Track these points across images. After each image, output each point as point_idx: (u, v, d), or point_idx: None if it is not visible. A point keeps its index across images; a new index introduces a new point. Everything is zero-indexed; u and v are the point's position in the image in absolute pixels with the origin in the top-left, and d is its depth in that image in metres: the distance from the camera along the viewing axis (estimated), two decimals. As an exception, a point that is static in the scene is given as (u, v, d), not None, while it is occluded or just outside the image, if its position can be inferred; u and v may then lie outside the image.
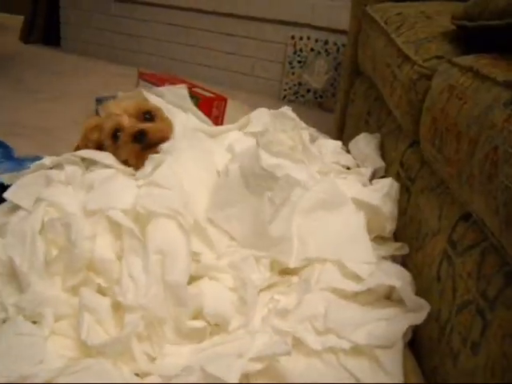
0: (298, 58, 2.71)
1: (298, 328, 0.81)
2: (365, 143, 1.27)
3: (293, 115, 1.20)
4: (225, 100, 1.72)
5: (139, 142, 1.03)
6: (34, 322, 0.81)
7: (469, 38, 1.06)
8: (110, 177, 0.98)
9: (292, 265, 0.88)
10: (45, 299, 0.81)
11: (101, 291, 0.85)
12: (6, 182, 1.08)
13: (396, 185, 1.03)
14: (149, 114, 1.11)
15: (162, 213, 0.87)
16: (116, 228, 0.88)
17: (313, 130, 1.33)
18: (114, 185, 0.96)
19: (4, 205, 1.03)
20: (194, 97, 1.67)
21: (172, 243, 0.85)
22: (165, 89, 1.28)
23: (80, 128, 2.06)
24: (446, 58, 1.00)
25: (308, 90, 2.75)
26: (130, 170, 1.03)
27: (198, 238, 0.90)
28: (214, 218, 0.94)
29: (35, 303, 0.80)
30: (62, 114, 2.20)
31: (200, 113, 1.27)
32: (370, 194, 0.99)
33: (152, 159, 1.00)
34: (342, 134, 1.83)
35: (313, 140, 1.25)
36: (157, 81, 1.81)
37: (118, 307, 0.82)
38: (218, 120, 1.70)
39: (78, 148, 1.13)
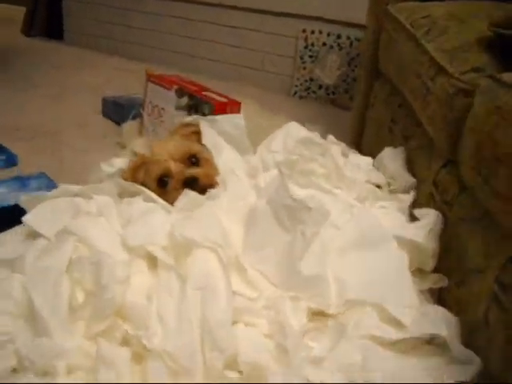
0: (310, 53, 2.61)
1: (334, 378, 0.74)
2: (391, 159, 1.19)
3: (320, 140, 1.12)
4: (238, 105, 1.63)
5: (190, 188, 1.01)
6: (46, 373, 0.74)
7: (509, 47, 0.98)
8: (150, 210, 0.94)
9: (332, 310, 0.81)
10: (59, 352, 0.73)
11: (126, 339, 0.77)
12: (23, 205, 0.99)
13: (441, 219, 0.95)
14: (194, 158, 1.09)
15: (202, 243, 0.82)
16: (153, 265, 0.83)
17: (344, 146, 1.26)
18: (154, 219, 0.91)
19: (17, 229, 0.95)
20: (206, 103, 1.59)
21: (213, 277, 0.79)
22: (221, 117, 1.23)
23: (84, 131, 2.01)
24: (487, 72, 0.92)
25: (320, 86, 2.65)
26: (170, 206, 0.99)
27: (236, 275, 0.84)
28: (248, 259, 0.87)
29: (48, 356, 0.72)
30: (65, 115, 2.11)
31: (247, 143, 1.22)
32: (414, 232, 0.91)
33: (186, 194, 0.96)
34: (361, 138, 1.74)
35: (344, 156, 1.18)
36: (165, 83, 1.72)
37: (139, 359, 0.75)
38: (231, 126, 1.62)
39: (125, 179, 1.09)
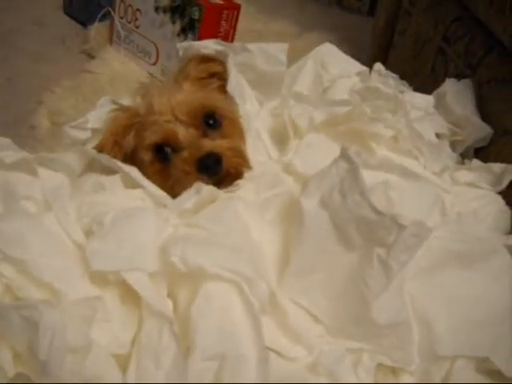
0: None
1: None
2: (455, 97, 0.87)
3: (389, 89, 0.78)
4: (237, 8, 1.25)
5: (208, 174, 0.64)
6: None
7: None
8: (134, 210, 0.57)
9: (412, 368, 0.53)
10: None
11: None
12: None
13: None
14: (213, 119, 0.69)
15: (218, 274, 0.49)
16: (134, 305, 0.50)
17: (398, 80, 0.93)
18: (139, 224, 0.55)
19: None
20: (195, 5, 1.21)
21: (236, 336, 0.47)
22: (257, 46, 0.81)
23: (40, 34, 1.61)
24: None
25: (325, -17, 2.24)
26: (165, 196, 0.63)
27: (270, 319, 0.53)
28: (288, 289, 0.56)
29: None
30: (16, 12, 1.68)
31: (280, 86, 0.83)
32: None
33: (198, 189, 0.61)
34: (387, 55, 1.40)
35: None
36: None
37: None
38: (227, 36, 1.25)
39: (101, 148, 0.71)
